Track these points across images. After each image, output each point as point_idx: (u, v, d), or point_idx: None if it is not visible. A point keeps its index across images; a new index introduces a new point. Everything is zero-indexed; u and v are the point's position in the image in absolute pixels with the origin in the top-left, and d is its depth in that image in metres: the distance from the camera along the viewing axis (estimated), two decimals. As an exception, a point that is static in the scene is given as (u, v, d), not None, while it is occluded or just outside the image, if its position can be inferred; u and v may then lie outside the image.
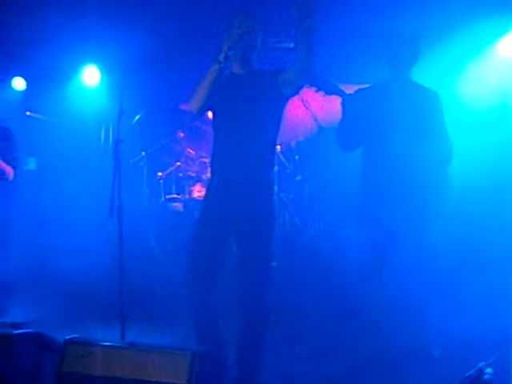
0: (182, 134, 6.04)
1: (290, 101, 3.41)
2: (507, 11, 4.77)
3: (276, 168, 5.53)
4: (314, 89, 3.68)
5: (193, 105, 3.36)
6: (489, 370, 2.45)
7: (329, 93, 3.73)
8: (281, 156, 5.85)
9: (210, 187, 3.48)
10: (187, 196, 5.78)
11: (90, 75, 6.59)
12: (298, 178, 6.02)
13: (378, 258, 3.73)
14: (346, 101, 3.81)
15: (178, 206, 5.77)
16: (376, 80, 3.92)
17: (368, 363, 3.79)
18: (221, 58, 3.24)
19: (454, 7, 4.91)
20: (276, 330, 3.97)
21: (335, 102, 3.90)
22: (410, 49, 3.69)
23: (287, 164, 5.89)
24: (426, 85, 3.83)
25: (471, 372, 2.47)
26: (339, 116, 3.85)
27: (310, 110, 5.71)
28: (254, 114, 3.26)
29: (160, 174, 6.04)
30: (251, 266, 3.27)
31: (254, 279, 3.26)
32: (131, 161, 6.01)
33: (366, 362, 3.75)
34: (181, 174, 5.98)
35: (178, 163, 5.98)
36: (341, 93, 3.71)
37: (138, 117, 5.91)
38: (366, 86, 3.91)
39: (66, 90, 6.50)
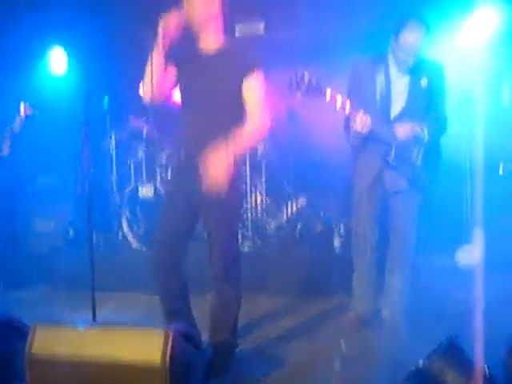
0: (151, 119, 5.98)
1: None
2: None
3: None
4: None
5: (144, 93, 3.29)
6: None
7: (310, 95, 3.59)
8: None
9: (176, 163, 3.48)
10: (158, 182, 5.72)
11: (57, 59, 6.49)
12: (270, 160, 5.99)
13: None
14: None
15: (149, 192, 5.71)
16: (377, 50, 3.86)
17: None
18: (157, 40, 3.15)
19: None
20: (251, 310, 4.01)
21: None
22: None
23: (259, 146, 5.85)
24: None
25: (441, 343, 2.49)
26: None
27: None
28: (217, 93, 3.21)
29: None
30: (216, 242, 3.28)
31: (219, 254, 3.28)
32: (100, 145, 5.93)
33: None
34: (151, 160, 5.92)
35: (148, 148, 5.93)
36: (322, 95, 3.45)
37: (106, 99, 5.82)
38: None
39: (33, 76, 6.40)
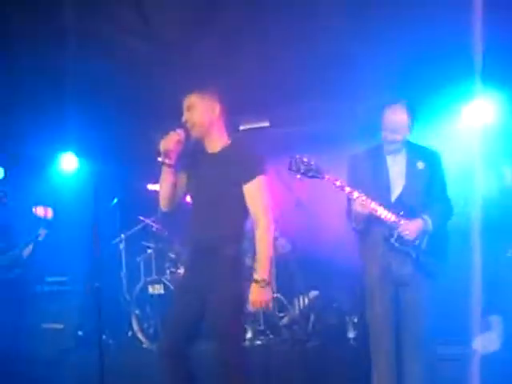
0: (160, 217, 6.04)
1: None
2: (469, 82, 4.89)
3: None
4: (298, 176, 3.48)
5: (161, 203, 3.39)
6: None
7: (309, 176, 3.62)
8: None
9: (184, 261, 3.48)
10: (168, 278, 5.70)
11: (68, 162, 6.67)
12: (282, 251, 5.98)
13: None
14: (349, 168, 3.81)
15: (159, 288, 5.68)
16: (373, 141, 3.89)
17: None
18: (161, 158, 3.24)
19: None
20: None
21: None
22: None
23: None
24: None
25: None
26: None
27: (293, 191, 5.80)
28: (221, 192, 3.25)
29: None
30: (221, 342, 3.22)
31: (225, 356, 3.21)
32: (111, 243, 5.97)
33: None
34: (160, 256, 5.93)
35: (157, 245, 5.96)
36: (320, 176, 3.51)
37: (115, 200, 5.92)
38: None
39: (44, 177, 6.55)
